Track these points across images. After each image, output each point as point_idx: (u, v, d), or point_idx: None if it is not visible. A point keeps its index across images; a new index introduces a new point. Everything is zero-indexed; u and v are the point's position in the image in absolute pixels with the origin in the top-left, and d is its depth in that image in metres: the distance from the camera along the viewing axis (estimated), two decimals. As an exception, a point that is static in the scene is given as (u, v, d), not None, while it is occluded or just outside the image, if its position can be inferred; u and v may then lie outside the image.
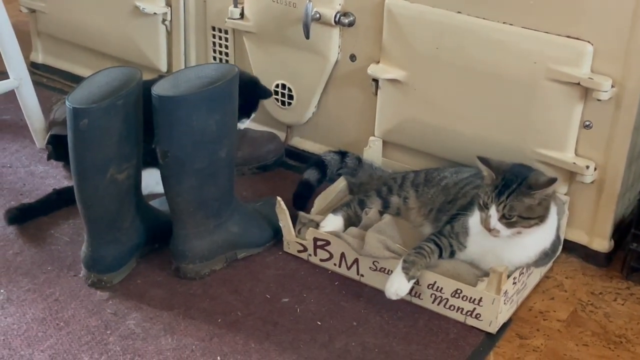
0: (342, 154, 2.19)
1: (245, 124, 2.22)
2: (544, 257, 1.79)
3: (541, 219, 1.70)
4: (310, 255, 1.97)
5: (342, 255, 1.91)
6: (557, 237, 1.84)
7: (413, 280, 1.77)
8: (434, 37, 2.00)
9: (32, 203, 2.12)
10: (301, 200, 2.08)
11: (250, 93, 2.19)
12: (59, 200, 2.12)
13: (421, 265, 1.77)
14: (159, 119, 1.76)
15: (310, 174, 2.14)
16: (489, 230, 1.70)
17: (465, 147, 2.00)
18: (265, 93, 2.25)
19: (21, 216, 2.07)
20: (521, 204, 1.68)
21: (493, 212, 1.70)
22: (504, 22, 1.92)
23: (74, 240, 2.02)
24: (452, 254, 1.82)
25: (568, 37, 1.85)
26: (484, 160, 1.76)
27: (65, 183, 2.24)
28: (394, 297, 1.78)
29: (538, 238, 1.76)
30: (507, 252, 1.76)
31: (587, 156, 1.94)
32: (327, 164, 2.16)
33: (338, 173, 2.17)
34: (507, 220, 1.69)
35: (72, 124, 1.73)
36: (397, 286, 1.77)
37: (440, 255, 1.81)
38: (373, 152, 2.20)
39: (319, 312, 1.82)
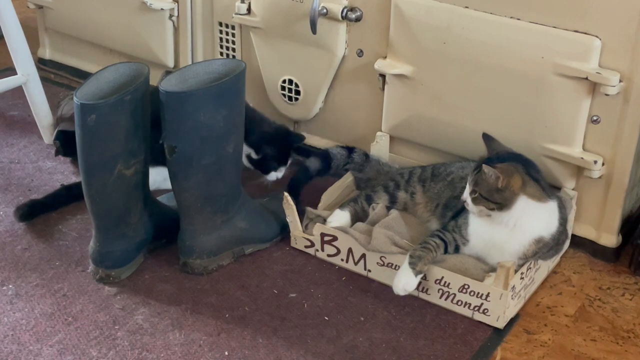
0: (350, 150, 2.19)
1: (282, 172, 2.19)
2: (545, 248, 1.79)
3: (500, 206, 1.73)
4: (317, 250, 1.97)
5: (350, 250, 1.91)
6: (564, 230, 1.84)
7: (420, 275, 1.77)
8: (441, 32, 2.00)
9: (41, 199, 2.12)
10: (294, 188, 2.07)
11: (283, 141, 2.18)
12: (68, 196, 2.13)
13: (428, 260, 1.77)
14: (166, 114, 1.76)
15: (312, 162, 2.14)
16: (464, 201, 1.78)
17: (472, 142, 1.99)
18: (298, 138, 2.22)
19: (31, 212, 2.08)
20: (483, 183, 1.73)
21: (467, 185, 1.77)
22: (511, 17, 1.92)
23: (82, 236, 2.03)
24: (456, 249, 1.83)
25: (576, 31, 1.85)
26: (486, 137, 1.85)
27: (73, 179, 2.24)
28: (402, 293, 1.78)
29: (528, 225, 1.75)
30: (503, 240, 1.76)
31: (595, 151, 1.93)
32: (333, 157, 2.15)
33: (345, 168, 2.17)
34: (473, 196, 1.74)
35: (80, 120, 1.73)
36: (405, 281, 1.77)
37: (445, 250, 1.81)
38: (380, 148, 2.20)
39: (327, 308, 1.82)
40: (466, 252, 1.83)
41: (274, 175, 2.17)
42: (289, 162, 2.21)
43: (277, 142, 2.15)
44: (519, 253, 1.77)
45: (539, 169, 1.82)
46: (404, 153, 2.23)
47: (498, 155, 1.80)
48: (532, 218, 1.75)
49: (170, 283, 1.89)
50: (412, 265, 1.76)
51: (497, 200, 1.73)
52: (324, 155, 2.16)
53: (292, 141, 2.21)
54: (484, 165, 1.72)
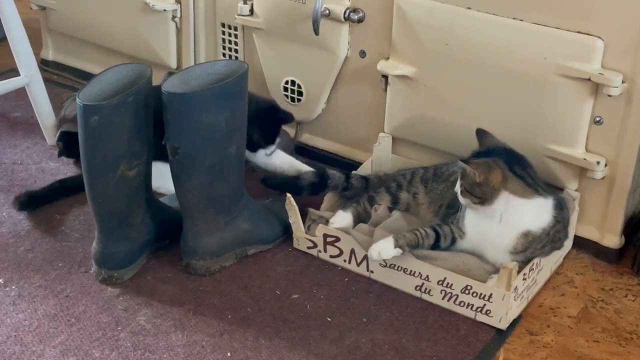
0: (347, 175, 2.11)
1: (270, 151, 2.19)
2: (537, 242, 1.79)
3: (481, 201, 1.75)
4: (320, 251, 1.97)
5: (352, 251, 1.91)
6: (561, 228, 1.82)
7: (399, 250, 1.79)
8: (444, 33, 2.00)
9: (38, 190, 2.15)
10: (272, 184, 2.12)
11: (271, 119, 2.17)
12: (67, 188, 2.15)
13: (411, 241, 1.80)
14: (169, 115, 1.76)
15: (307, 175, 2.11)
16: (456, 192, 1.81)
17: (475, 143, 1.99)
18: (287, 117, 2.21)
19: (30, 203, 2.10)
20: (467, 177, 1.76)
21: (458, 178, 1.79)
22: (514, 18, 1.92)
23: (84, 237, 2.03)
24: (453, 241, 1.84)
25: (578, 32, 1.85)
26: (480, 132, 1.88)
27: (76, 180, 2.25)
28: (375, 257, 1.80)
29: (513, 220, 1.76)
30: (494, 234, 1.78)
31: (598, 152, 1.93)
32: (331, 176, 2.08)
33: (346, 195, 2.09)
34: (461, 189, 1.78)
35: (83, 121, 1.73)
36: (383, 247, 1.80)
37: (437, 241, 1.82)
38: (382, 149, 2.20)
39: (329, 309, 1.82)
40: (463, 245, 1.84)
41: (262, 154, 2.17)
42: (277, 141, 2.19)
43: (264, 120, 2.13)
44: (509, 247, 1.78)
45: (529, 165, 1.82)
46: (407, 154, 2.23)
47: (488, 149, 1.82)
48: (517, 213, 1.76)
49: (172, 284, 1.89)
50: (396, 239, 1.79)
51: (478, 195, 1.75)
52: (321, 174, 2.10)
53: (280, 120, 2.20)
54: (459, 161, 1.74)
